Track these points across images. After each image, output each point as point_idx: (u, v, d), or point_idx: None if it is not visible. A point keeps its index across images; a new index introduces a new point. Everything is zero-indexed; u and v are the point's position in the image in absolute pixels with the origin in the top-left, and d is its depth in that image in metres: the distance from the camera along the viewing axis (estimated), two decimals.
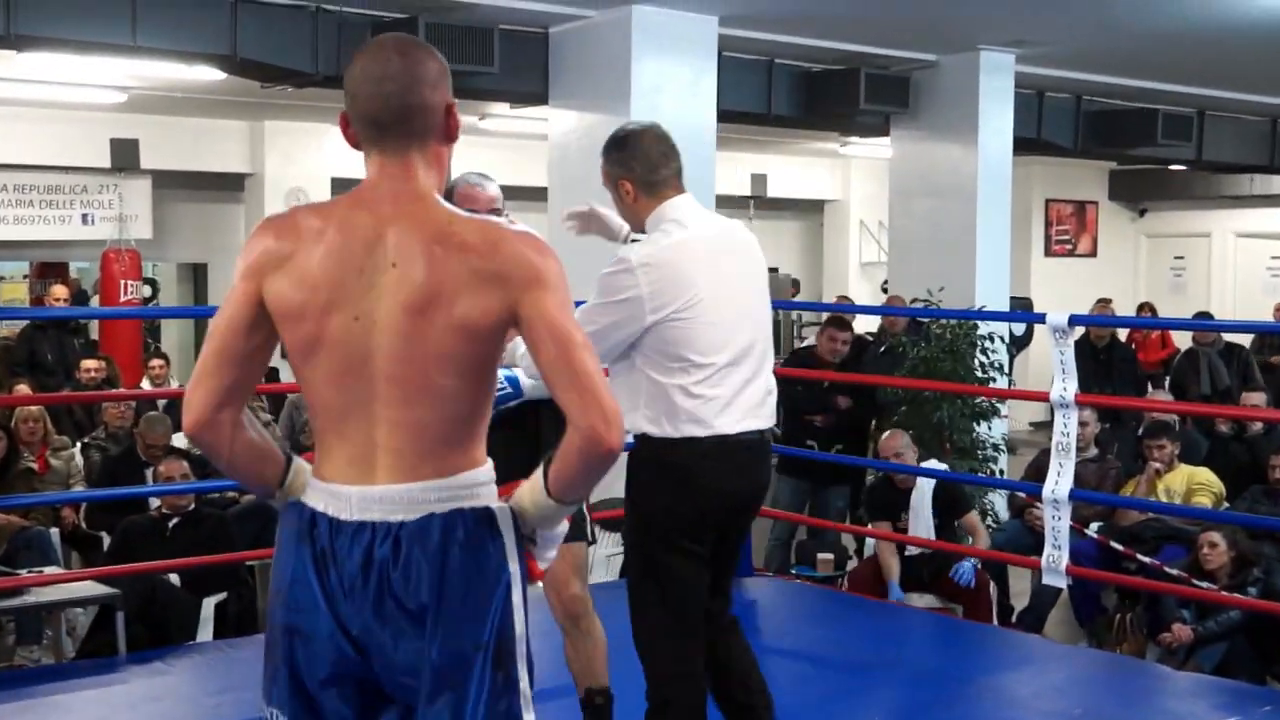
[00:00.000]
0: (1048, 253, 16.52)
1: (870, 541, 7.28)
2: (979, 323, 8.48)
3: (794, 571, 7.54)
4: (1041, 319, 5.72)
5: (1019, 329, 11.23)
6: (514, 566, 2.22)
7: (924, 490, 6.76)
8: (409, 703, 2.20)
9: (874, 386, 8.24)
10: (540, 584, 2.55)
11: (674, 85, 7.98)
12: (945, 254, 9.44)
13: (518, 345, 2.78)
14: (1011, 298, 10.34)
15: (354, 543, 2.15)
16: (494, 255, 2.14)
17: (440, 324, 2.13)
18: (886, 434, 7.26)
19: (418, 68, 2.22)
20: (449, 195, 3.58)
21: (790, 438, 7.92)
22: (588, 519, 4.12)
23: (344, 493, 2.18)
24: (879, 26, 8.52)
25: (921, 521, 6.71)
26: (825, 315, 9.10)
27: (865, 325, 11.23)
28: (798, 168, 16.21)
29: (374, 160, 2.24)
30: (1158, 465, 7.29)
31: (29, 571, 6.06)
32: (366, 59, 2.23)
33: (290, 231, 2.20)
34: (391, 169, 2.22)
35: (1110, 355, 10.40)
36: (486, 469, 2.26)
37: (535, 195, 13.76)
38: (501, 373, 3.77)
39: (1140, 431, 7.62)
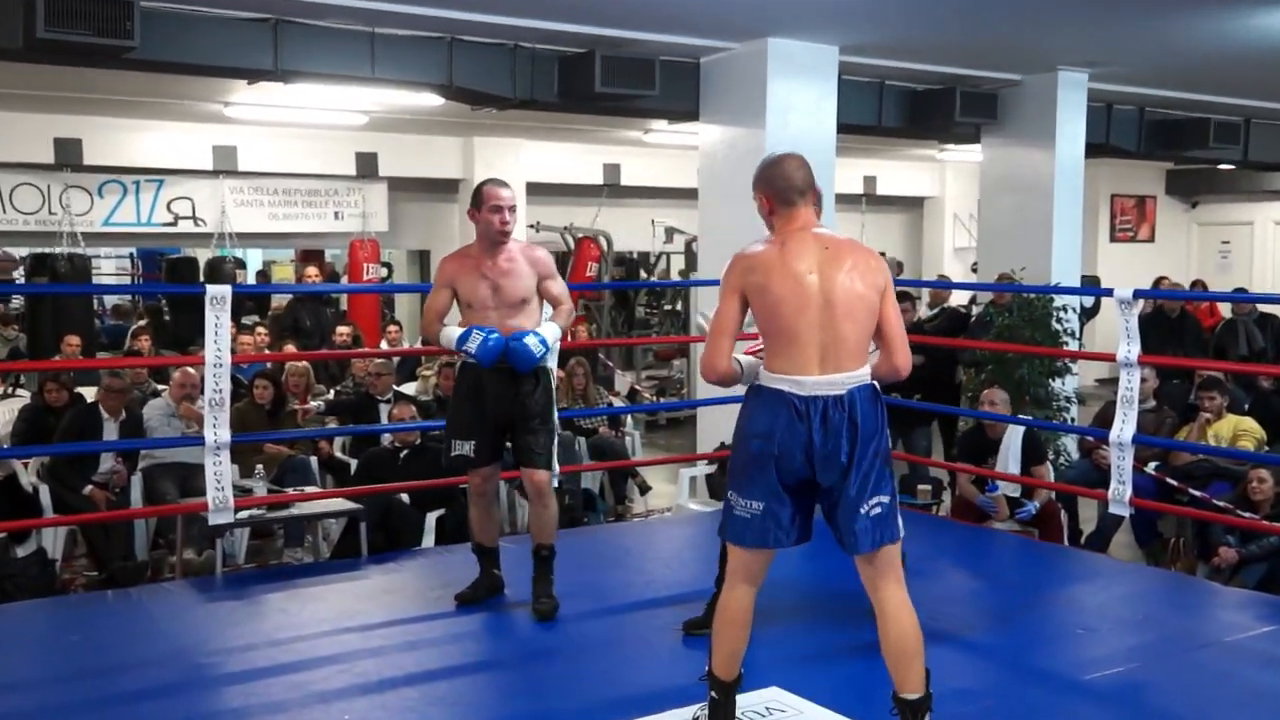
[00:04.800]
0: (1112, 239, 15.93)
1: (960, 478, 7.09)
2: (1055, 296, 8.25)
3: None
4: (1110, 293, 5.49)
5: (1088, 301, 10.86)
6: (882, 413, 3.15)
7: (1014, 437, 6.52)
8: (832, 485, 3.09)
9: (954, 349, 8.05)
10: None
11: (801, 103, 7.83)
12: (1026, 240, 9.15)
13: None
14: (1082, 276, 9.99)
15: (812, 406, 3.08)
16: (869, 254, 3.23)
17: (859, 280, 3.12)
18: (988, 389, 7.04)
19: (808, 170, 3.29)
20: (478, 192, 4.28)
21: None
22: (553, 454, 4.50)
23: (803, 381, 3.08)
24: (972, 52, 8.25)
25: (1011, 463, 6.49)
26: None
27: (959, 300, 10.97)
28: (902, 170, 15.87)
29: (795, 214, 3.22)
30: (1208, 415, 6.99)
31: (295, 490, 6.23)
32: (783, 172, 3.26)
33: (750, 257, 3.17)
34: (810, 214, 3.25)
35: (1182, 324, 9.97)
36: (868, 365, 3.16)
37: (686, 194, 13.75)
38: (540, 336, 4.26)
39: (1199, 384, 7.32)
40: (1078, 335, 8.88)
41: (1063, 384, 8.32)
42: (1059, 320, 8.27)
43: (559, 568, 5.09)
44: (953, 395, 8.59)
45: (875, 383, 3.16)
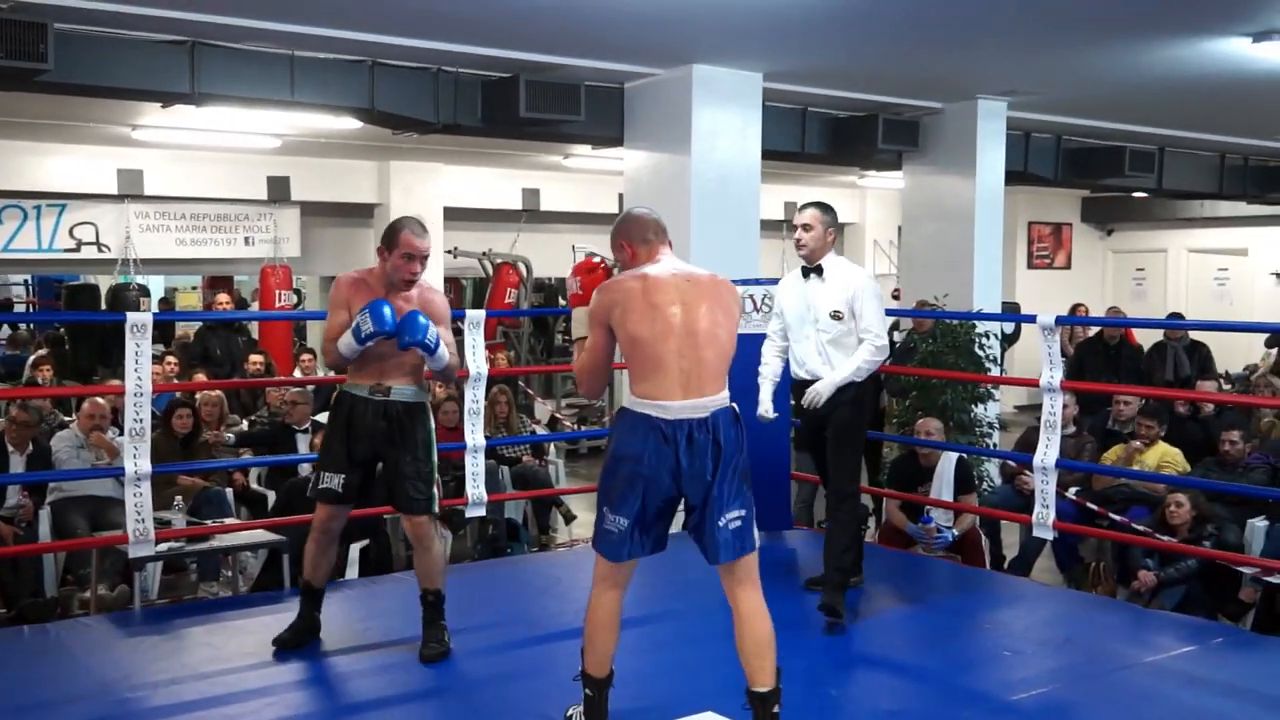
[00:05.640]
0: (1029, 265, 16.44)
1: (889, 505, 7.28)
2: (977, 322, 8.52)
3: (822, 525, 7.55)
4: (1033, 319, 5.74)
5: (1009, 328, 11.20)
6: (742, 433, 3.46)
7: (947, 466, 6.73)
8: (697, 501, 3.41)
9: (877, 374, 8.26)
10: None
11: (726, 130, 8.03)
12: (948, 266, 9.42)
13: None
14: (1002, 303, 10.32)
15: (678, 430, 3.38)
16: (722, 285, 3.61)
17: (719, 310, 3.49)
18: (923, 419, 7.24)
19: (659, 219, 3.68)
20: (394, 232, 4.28)
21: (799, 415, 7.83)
22: (434, 496, 4.44)
23: (669, 406, 3.39)
24: (894, 80, 8.52)
25: (945, 490, 6.67)
26: None
27: None
28: (822, 196, 16.06)
29: (653, 251, 3.59)
30: (1139, 443, 7.26)
31: (212, 522, 6.21)
32: (636, 218, 3.67)
33: (614, 290, 3.49)
34: (667, 251, 3.62)
35: (1120, 351, 10.27)
36: (727, 390, 3.48)
37: (607, 220, 13.88)
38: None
39: (1139, 410, 7.59)
40: (1000, 362, 9.15)
41: (985, 410, 8.58)
42: (982, 346, 8.53)
43: (490, 596, 5.18)
44: (876, 421, 8.78)
45: (734, 405, 3.49)
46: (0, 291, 16.61)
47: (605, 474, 3.51)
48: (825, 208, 5.06)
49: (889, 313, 9.86)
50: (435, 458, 4.44)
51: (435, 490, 4.41)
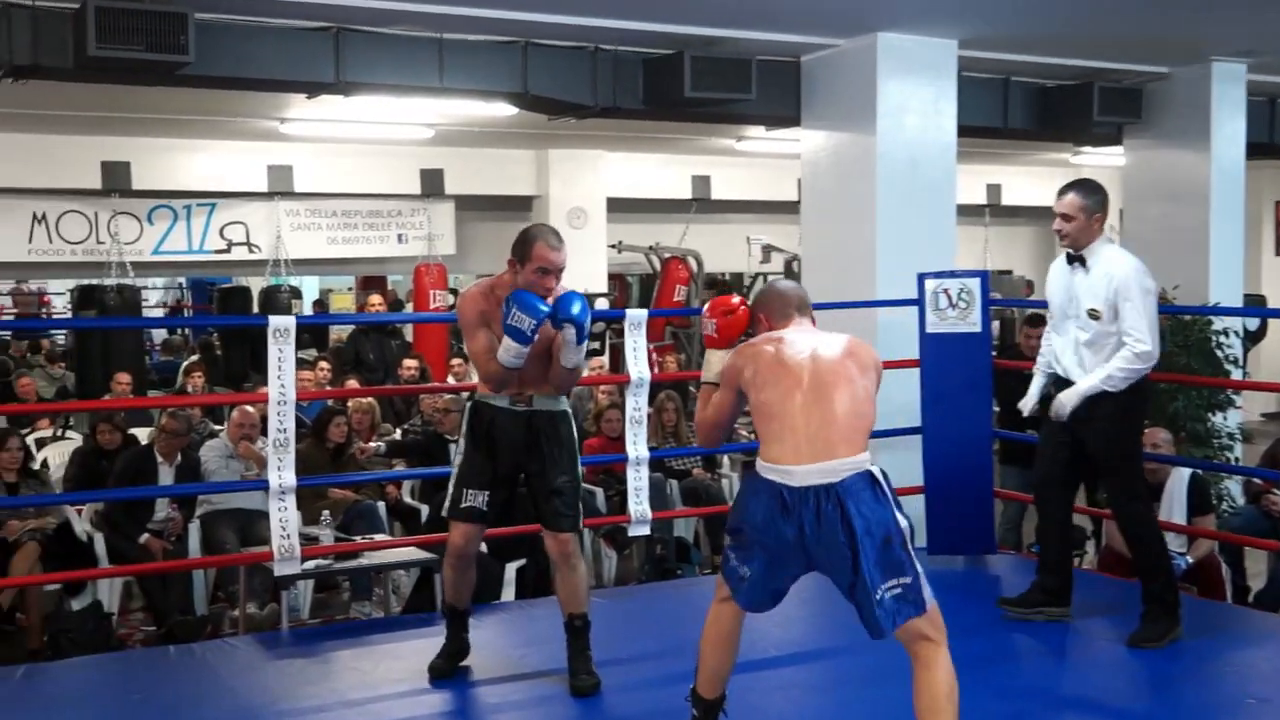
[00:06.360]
0: (1278, 253, 15.61)
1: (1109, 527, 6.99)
2: (1215, 318, 8.14)
3: (1031, 549, 7.32)
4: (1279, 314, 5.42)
5: (1253, 324, 10.67)
6: (884, 498, 3.38)
7: (1179, 483, 6.43)
8: (837, 572, 3.36)
9: None
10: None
11: (917, 105, 7.84)
12: (1179, 254, 9.01)
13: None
14: (1245, 295, 9.83)
15: (802, 501, 3.35)
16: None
17: (855, 365, 3.53)
18: (1150, 428, 6.93)
19: (802, 292, 3.84)
20: (526, 243, 4.20)
21: (1007, 426, 7.45)
22: (580, 511, 4.43)
23: (793, 471, 3.38)
24: (1111, 43, 8.20)
25: (1176, 511, 6.38)
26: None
27: None
28: (1030, 177, 15.76)
29: (789, 322, 3.69)
30: None
31: (363, 538, 6.36)
32: (780, 292, 3.83)
33: (748, 352, 3.61)
34: (807, 324, 3.71)
35: None
36: (867, 451, 3.44)
37: (786, 208, 13.82)
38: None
39: None
40: (1242, 363, 8.73)
41: (1225, 419, 8.20)
42: (1220, 346, 8.15)
43: (655, 622, 5.16)
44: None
45: (874, 469, 3.42)
46: (160, 295, 17.50)
47: (732, 527, 3.57)
48: (1087, 190, 4.90)
49: None
50: (580, 471, 4.47)
51: (580, 506, 4.43)
